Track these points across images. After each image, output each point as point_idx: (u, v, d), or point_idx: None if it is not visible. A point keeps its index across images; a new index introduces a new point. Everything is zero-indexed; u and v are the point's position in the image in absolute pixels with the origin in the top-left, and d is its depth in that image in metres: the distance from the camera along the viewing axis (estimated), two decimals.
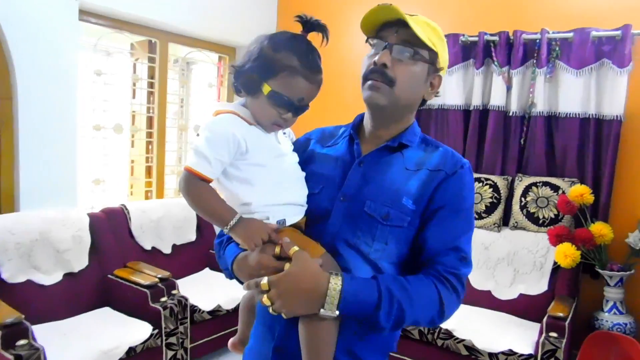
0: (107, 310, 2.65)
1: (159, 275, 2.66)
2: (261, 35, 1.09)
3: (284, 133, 1.20)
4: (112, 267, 2.77)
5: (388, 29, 1.07)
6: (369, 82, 1.07)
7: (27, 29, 2.58)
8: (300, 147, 1.24)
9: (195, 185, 1.03)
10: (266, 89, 1.05)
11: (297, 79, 1.05)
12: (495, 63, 3.14)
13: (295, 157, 1.17)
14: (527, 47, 3.09)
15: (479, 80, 3.21)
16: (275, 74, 1.05)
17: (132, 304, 2.59)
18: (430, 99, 1.15)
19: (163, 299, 2.55)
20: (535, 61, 3.06)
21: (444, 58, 1.11)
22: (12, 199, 2.62)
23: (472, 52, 3.26)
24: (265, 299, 0.94)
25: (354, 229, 1.06)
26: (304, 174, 1.16)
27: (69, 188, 2.84)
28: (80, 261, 2.65)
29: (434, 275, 1.02)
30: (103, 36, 3.17)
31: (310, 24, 1.09)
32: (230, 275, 1.11)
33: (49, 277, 2.52)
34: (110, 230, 2.88)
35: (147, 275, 2.67)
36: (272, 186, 1.08)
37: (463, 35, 3.23)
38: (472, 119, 3.25)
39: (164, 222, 3.17)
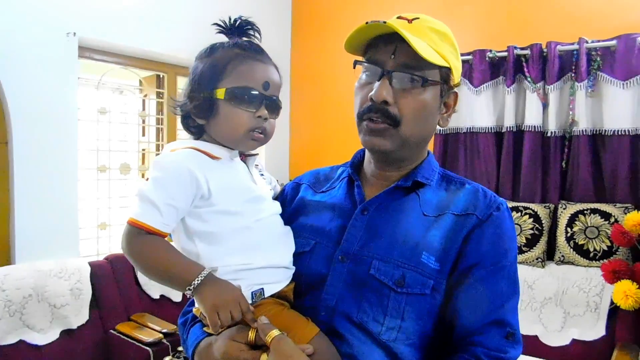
0: None
1: (164, 330, 2.40)
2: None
3: (262, 174, 0.95)
4: (114, 321, 2.52)
5: (381, 48, 0.81)
6: (367, 124, 0.82)
7: (22, 69, 2.43)
8: (288, 195, 0.98)
9: (142, 242, 0.78)
10: (221, 92, 0.84)
11: (248, 63, 0.85)
12: (528, 79, 2.84)
13: (276, 207, 0.92)
14: (564, 59, 2.79)
15: (511, 99, 2.91)
16: (222, 72, 0.85)
17: None
18: (446, 125, 0.88)
19: (167, 358, 2.29)
20: (573, 75, 2.75)
21: (458, 70, 0.85)
22: (8, 250, 2.44)
23: (501, 68, 2.97)
24: None
25: (359, 300, 0.79)
26: (288, 228, 0.90)
27: (70, 235, 2.64)
28: (79, 316, 2.42)
29: None
30: (107, 73, 3.03)
31: (233, 28, 0.89)
32: None
33: (44, 336, 2.30)
34: (114, 279, 2.65)
35: (152, 331, 2.42)
36: (244, 242, 0.82)
37: (490, 51, 2.95)
38: (506, 141, 2.95)
39: None
